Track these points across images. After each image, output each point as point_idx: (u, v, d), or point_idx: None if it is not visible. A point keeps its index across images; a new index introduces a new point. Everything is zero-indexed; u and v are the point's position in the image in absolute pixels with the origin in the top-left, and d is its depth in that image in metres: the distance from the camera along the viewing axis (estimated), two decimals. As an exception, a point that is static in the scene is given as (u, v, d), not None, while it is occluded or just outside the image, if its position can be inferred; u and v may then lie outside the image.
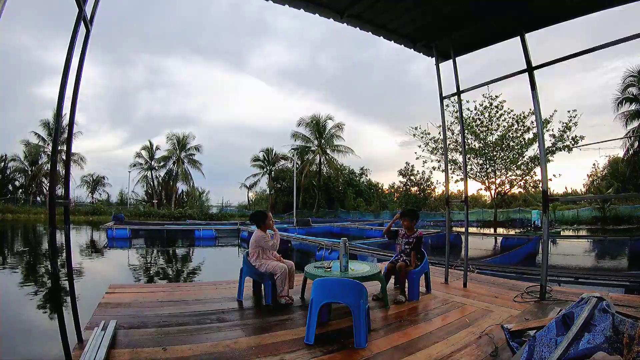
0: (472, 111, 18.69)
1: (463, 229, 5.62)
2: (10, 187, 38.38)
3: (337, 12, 3.87)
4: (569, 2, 3.56)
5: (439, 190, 36.43)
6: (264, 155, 41.97)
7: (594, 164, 39.30)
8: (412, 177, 39.52)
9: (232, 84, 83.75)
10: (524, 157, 18.38)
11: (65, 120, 2.46)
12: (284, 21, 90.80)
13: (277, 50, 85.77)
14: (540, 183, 5.42)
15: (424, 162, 21.18)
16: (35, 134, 35.40)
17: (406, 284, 3.82)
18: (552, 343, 1.89)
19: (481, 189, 21.34)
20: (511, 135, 18.10)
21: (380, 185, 47.08)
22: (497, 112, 18.16)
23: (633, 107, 25.78)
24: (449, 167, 17.12)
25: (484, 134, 18.64)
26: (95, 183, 42.99)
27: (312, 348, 2.43)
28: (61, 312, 2.05)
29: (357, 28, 4.12)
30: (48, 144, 35.44)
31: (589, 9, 3.54)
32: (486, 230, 22.23)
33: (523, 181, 19.44)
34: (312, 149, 38.42)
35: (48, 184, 33.77)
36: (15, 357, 3.70)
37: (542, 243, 4.75)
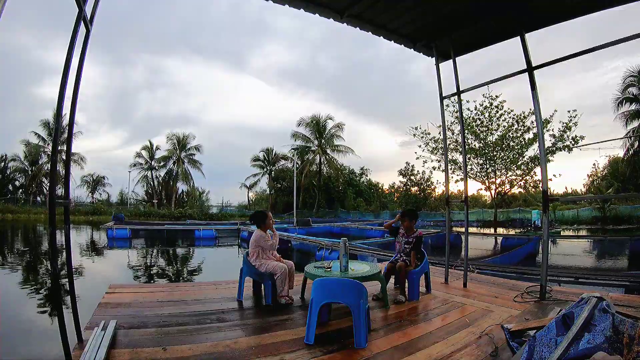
0: (472, 111, 18.71)
1: (463, 229, 5.62)
2: (10, 187, 38.38)
3: (337, 12, 3.87)
4: (569, 2, 3.56)
5: (439, 190, 36.51)
6: (264, 155, 41.98)
7: (594, 164, 39.36)
8: (412, 177, 39.57)
9: (232, 84, 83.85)
10: (524, 157, 18.38)
11: (65, 120, 2.46)
12: (284, 21, 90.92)
13: (277, 50, 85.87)
14: (540, 183, 5.42)
15: (424, 162, 21.21)
16: (35, 134, 35.45)
17: (406, 284, 3.82)
18: (552, 343, 1.89)
19: (481, 189, 21.38)
20: (511, 135, 18.11)
21: (380, 185, 47.12)
22: (497, 112, 18.17)
23: (633, 107, 25.78)
24: (449, 167, 17.13)
25: (484, 134, 18.65)
26: (95, 183, 43.00)
27: (312, 348, 2.43)
28: (61, 312, 2.05)
29: (357, 28, 4.12)
30: (48, 144, 35.43)
31: (589, 9, 3.54)
32: (486, 230, 22.23)
33: (523, 181, 19.45)
34: (312, 149, 38.42)
35: (48, 184, 33.81)
36: (15, 357, 3.71)
37: (542, 243, 4.75)
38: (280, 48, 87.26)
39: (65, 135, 2.70)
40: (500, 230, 23.77)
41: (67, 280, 2.38)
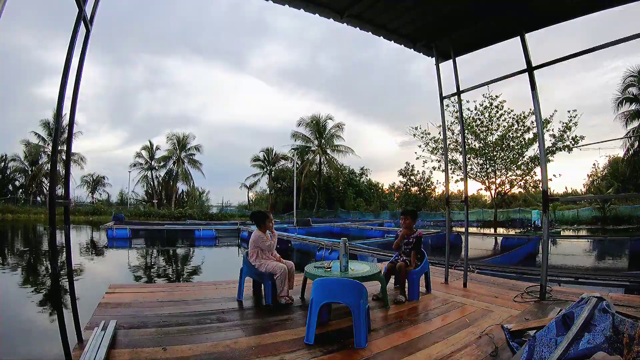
0: (472, 111, 18.71)
1: (463, 229, 5.62)
2: (10, 187, 38.39)
3: (337, 12, 3.87)
4: (569, 2, 3.56)
5: (439, 190, 36.54)
6: (264, 155, 41.99)
7: (594, 164, 39.38)
8: (412, 177, 39.60)
9: (232, 84, 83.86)
10: (524, 157, 18.38)
11: (65, 120, 2.46)
12: (284, 21, 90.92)
13: (277, 50, 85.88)
14: (540, 183, 5.42)
15: (424, 162, 21.20)
16: (35, 134, 35.46)
17: (406, 284, 3.82)
18: (552, 343, 1.89)
19: (481, 189, 21.38)
20: (511, 135, 18.10)
21: (380, 185, 47.14)
22: (497, 112, 18.17)
23: (633, 107, 25.78)
24: (449, 167, 17.12)
25: (484, 134, 18.65)
26: (95, 183, 43.00)
27: (312, 348, 2.43)
28: (61, 312, 2.05)
29: (357, 28, 4.12)
30: (48, 144, 35.43)
31: (589, 9, 3.54)
32: (486, 230, 22.22)
33: (523, 181, 19.45)
34: (312, 149, 38.43)
35: (48, 184, 33.82)
36: (15, 357, 3.71)
37: (542, 243, 4.75)
38: (280, 48, 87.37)
39: (65, 135, 2.70)
40: (500, 230, 23.78)
41: (67, 280, 2.38)
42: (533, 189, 21.29)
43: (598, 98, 65.15)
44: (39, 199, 37.58)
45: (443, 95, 4.76)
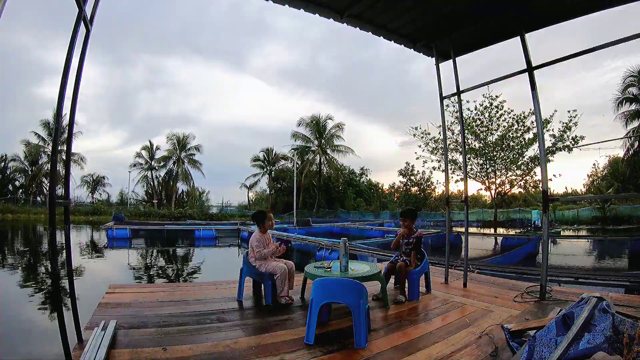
0: (472, 111, 18.72)
1: (463, 229, 5.62)
2: (10, 187, 38.39)
3: (337, 12, 3.87)
4: (569, 2, 3.56)
5: (439, 190, 36.56)
6: (264, 155, 42.00)
7: (594, 164, 39.41)
8: (412, 177, 39.63)
9: (232, 84, 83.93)
10: (524, 157, 18.39)
11: (65, 120, 2.46)
12: (284, 21, 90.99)
13: (277, 50, 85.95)
14: (540, 183, 5.42)
15: (424, 162, 21.22)
16: (35, 134, 35.47)
17: (406, 284, 3.82)
18: (552, 343, 1.89)
19: (481, 189, 21.39)
20: (511, 135, 18.11)
21: (380, 185, 47.15)
22: (497, 112, 18.18)
23: (633, 107, 25.79)
24: (449, 167, 17.12)
25: (484, 134, 18.65)
26: (95, 183, 43.00)
27: (312, 348, 2.43)
28: (61, 312, 2.05)
29: (357, 28, 4.12)
30: (48, 144, 35.43)
31: (589, 9, 3.53)
32: (486, 230, 22.23)
33: (523, 181, 19.46)
34: (312, 149, 38.44)
35: (48, 184, 33.81)
36: (15, 357, 3.70)
37: (542, 243, 4.75)
38: (280, 48, 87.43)
39: (65, 135, 2.70)
40: (500, 230, 23.79)
41: (67, 280, 2.38)
42: (533, 189, 21.30)
43: (598, 98, 65.30)
44: (39, 199, 37.59)
45: (443, 95, 4.76)
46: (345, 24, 4.03)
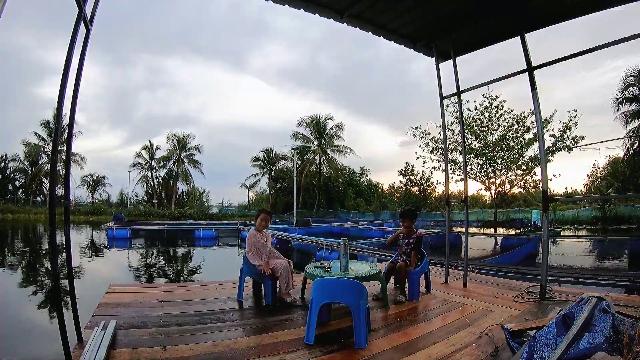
0: (472, 111, 18.70)
1: (463, 229, 5.62)
2: (10, 187, 38.39)
3: (337, 12, 3.87)
4: (569, 2, 3.56)
5: (439, 190, 36.56)
6: (264, 155, 42.00)
7: (594, 164, 39.42)
8: (412, 177, 39.60)
9: (232, 84, 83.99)
10: (524, 157, 18.38)
11: (65, 120, 2.46)
12: (284, 21, 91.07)
13: (277, 50, 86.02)
14: (540, 183, 5.42)
15: (424, 162, 21.19)
16: (35, 134, 35.48)
17: (406, 284, 3.82)
18: (552, 343, 1.89)
19: (481, 189, 21.36)
20: (511, 135, 18.10)
21: (380, 185, 47.14)
22: (497, 112, 18.16)
23: (633, 107, 25.79)
24: (449, 167, 17.12)
25: (484, 134, 18.64)
26: (95, 183, 42.99)
27: (312, 348, 2.43)
28: (61, 312, 2.05)
29: (357, 28, 4.12)
30: (48, 144, 35.44)
31: (589, 9, 3.53)
32: (486, 230, 22.24)
33: (523, 181, 19.44)
34: (312, 149, 38.43)
35: (48, 184, 33.81)
36: (15, 357, 3.71)
37: (542, 243, 4.75)
38: (280, 48, 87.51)
39: (65, 135, 2.70)
40: (500, 230, 23.79)
41: (67, 280, 2.38)
42: (533, 189, 21.28)
43: (598, 98, 65.31)
44: (39, 199, 37.60)
45: (443, 95, 4.76)
46: (345, 24, 4.03)
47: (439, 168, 20.66)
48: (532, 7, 3.68)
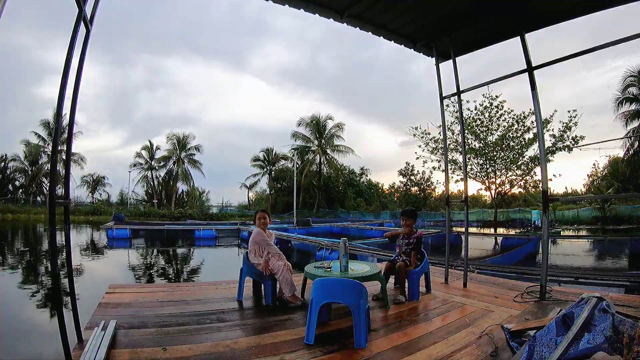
0: (472, 111, 18.69)
1: (463, 229, 5.62)
2: (10, 187, 38.39)
3: (337, 12, 3.87)
4: (569, 2, 3.56)
5: (439, 190, 36.55)
6: (264, 155, 42.00)
7: (594, 164, 39.41)
8: (412, 177, 39.59)
9: (232, 84, 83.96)
10: (524, 157, 18.37)
11: (65, 120, 2.46)
12: (284, 21, 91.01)
13: (277, 50, 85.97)
14: (540, 183, 5.42)
15: (424, 162, 21.18)
16: (35, 134, 35.48)
17: (406, 284, 3.82)
18: (552, 343, 1.89)
19: (481, 189, 21.35)
20: (511, 135, 18.09)
21: (380, 185, 47.13)
22: (497, 112, 18.15)
23: (633, 107, 25.78)
24: (449, 167, 17.12)
25: (484, 134, 18.63)
26: (95, 183, 42.98)
27: (312, 348, 2.43)
28: (61, 312, 2.05)
29: (357, 28, 4.12)
30: (48, 144, 35.45)
31: (589, 9, 3.53)
32: (486, 230, 22.25)
33: (523, 181, 19.43)
34: (312, 149, 38.43)
35: (48, 184, 33.81)
36: (15, 357, 3.71)
37: (542, 243, 4.75)
38: (280, 48, 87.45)
39: (65, 135, 2.70)
40: (500, 230, 23.78)
41: (67, 280, 2.38)
42: (533, 189, 21.27)
43: (598, 98, 65.26)
44: (39, 199, 37.60)
45: (443, 95, 4.76)
46: (345, 24, 4.03)
47: (439, 168, 20.67)
48: (532, 7, 3.68)
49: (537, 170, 18.08)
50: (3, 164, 37.39)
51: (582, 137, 17.02)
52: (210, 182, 67.89)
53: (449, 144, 18.68)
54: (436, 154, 20.31)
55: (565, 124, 17.10)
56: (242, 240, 16.75)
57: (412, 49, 4.69)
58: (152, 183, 41.02)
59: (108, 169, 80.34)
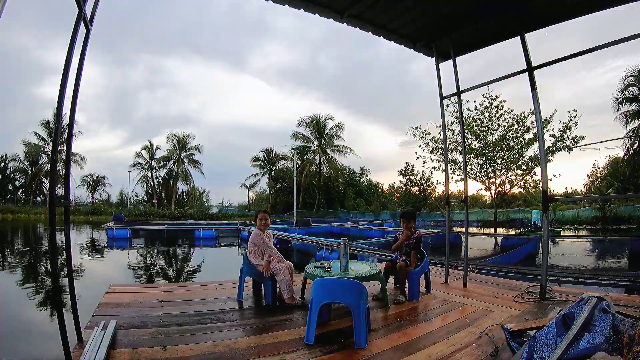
0: (472, 111, 18.69)
1: (463, 229, 5.62)
2: (10, 187, 38.38)
3: (337, 12, 3.87)
4: (569, 2, 3.56)
5: (439, 190, 36.52)
6: (264, 155, 41.99)
7: (594, 164, 39.40)
8: (412, 177, 39.54)
9: (232, 84, 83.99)
10: (524, 157, 18.37)
11: (65, 120, 2.46)
12: (284, 21, 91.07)
13: (277, 50, 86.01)
14: (540, 183, 5.42)
15: (424, 162, 21.18)
16: (35, 134, 35.47)
17: (406, 284, 3.82)
18: (552, 343, 1.89)
19: (481, 189, 21.34)
20: (511, 135, 18.09)
21: (380, 185, 47.11)
22: (497, 112, 18.15)
23: (633, 107, 25.77)
24: (449, 167, 17.12)
25: (484, 134, 18.63)
26: (95, 183, 42.96)
27: (312, 348, 2.43)
28: (61, 312, 2.05)
29: (357, 28, 4.12)
30: (48, 144, 35.44)
31: (589, 9, 3.53)
32: (486, 230, 22.24)
33: (523, 181, 19.43)
34: (312, 149, 38.41)
35: (48, 184, 33.80)
36: (15, 357, 3.71)
37: (542, 243, 4.75)
38: (280, 48, 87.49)
39: (65, 135, 2.70)
40: (500, 230, 23.78)
41: (67, 280, 2.38)
42: (533, 189, 21.26)
43: (598, 98, 65.29)
44: (39, 199, 37.58)
45: (443, 95, 4.76)
46: (345, 24, 4.03)
47: (439, 168, 20.67)
48: (532, 7, 3.68)
49: (537, 170, 18.10)
50: (3, 164, 37.39)
51: (582, 137, 17.03)
52: (210, 182, 68.03)
53: (449, 144, 18.68)
54: (436, 154, 20.33)
55: (565, 124, 17.10)
56: (242, 240, 16.76)
57: (412, 49, 4.69)
58: (152, 183, 41.03)
59: (108, 169, 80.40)
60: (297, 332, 2.70)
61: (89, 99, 55.79)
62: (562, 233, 22.20)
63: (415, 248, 3.93)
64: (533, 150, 17.85)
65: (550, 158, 17.55)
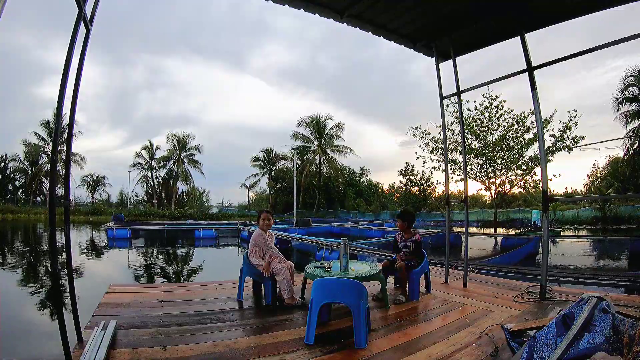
0: (472, 111, 18.70)
1: (463, 229, 5.61)
2: (10, 187, 38.39)
3: (337, 12, 3.87)
4: (569, 2, 3.56)
5: (439, 190, 36.53)
6: (264, 155, 42.00)
7: (594, 164, 39.45)
8: (412, 177, 39.55)
9: (232, 84, 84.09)
10: (524, 157, 18.38)
11: (65, 120, 2.46)
12: (284, 21, 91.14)
13: (277, 50, 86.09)
14: (540, 183, 5.42)
15: (424, 162, 21.19)
16: (35, 134, 35.49)
17: (406, 284, 3.82)
18: (552, 343, 1.89)
19: (481, 189, 21.35)
20: (511, 135, 18.09)
21: (380, 185, 47.12)
22: (497, 112, 18.16)
23: (633, 107, 25.77)
24: (449, 167, 17.12)
25: (484, 134, 18.64)
26: (95, 183, 42.96)
27: (312, 348, 2.43)
28: (61, 312, 2.05)
29: (357, 28, 4.12)
30: (48, 144, 35.45)
31: (589, 9, 3.53)
32: (486, 230, 22.23)
33: (523, 181, 19.43)
34: (312, 149, 38.42)
35: (48, 184, 33.78)
36: (15, 357, 3.70)
37: (542, 243, 4.75)
38: (280, 48, 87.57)
39: (65, 135, 2.70)
40: (500, 230, 23.78)
41: (67, 280, 2.38)
42: (533, 189, 21.27)
43: (598, 98, 65.33)
44: (39, 199, 37.58)
45: (443, 95, 4.76)
46: (345, 24, 4.03)
47: (439, 168, 20.68)
48: (532, 7, 3.68)
49: (537, 170, 18.10)
50: (3, 164, 37.40)
51: (582, 137, 17.04)
52: (210, 182, 68.12)
53: (449, 144, 18.68)
54: (436, 154, 20.34)
55: (565, 124, 17.11)
56: (242, 240, 16.76)
57: (412, 49, 4.69)
58: (152, 183, 41.03)
59: (108, 169, 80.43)
60: (297, 332, 2.70)
61: (89, 99, 55.96)
62: (562, 233, 22.20)
63: (414, 253, 3.92)
64: (533, 150, 17.87)
65: (550, 158, 17.55)
